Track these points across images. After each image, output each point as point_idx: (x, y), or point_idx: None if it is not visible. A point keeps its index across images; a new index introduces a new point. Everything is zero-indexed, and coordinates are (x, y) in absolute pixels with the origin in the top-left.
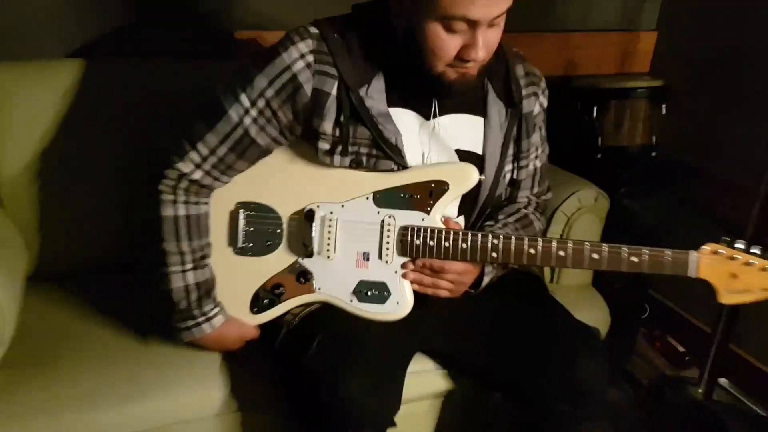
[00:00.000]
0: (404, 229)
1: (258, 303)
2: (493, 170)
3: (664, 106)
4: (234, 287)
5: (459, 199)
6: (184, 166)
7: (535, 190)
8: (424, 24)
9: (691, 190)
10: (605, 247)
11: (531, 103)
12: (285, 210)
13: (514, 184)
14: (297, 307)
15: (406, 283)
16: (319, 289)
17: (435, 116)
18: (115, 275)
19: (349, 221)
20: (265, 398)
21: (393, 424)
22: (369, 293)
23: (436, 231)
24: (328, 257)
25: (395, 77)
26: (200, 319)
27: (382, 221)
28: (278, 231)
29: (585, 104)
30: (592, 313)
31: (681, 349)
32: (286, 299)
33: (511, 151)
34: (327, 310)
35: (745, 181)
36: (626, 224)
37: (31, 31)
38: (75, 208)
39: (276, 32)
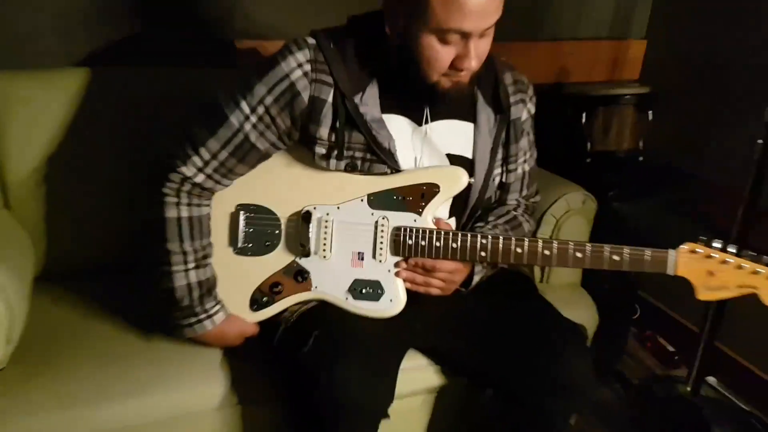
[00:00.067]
0: (397, 229)
1: (257, 301)
2: (483, 174)
3: (650, 112)
4: (234, 286)
5: (450, 201)
6: (187, 170)
7: (524, 192)
8: (419, 36)
9: (677, 193)
10: (588, 246)
11: (519, 109)
12: (283, 212)
13: (504, 187)
14: (294, 304)
15: (399, 282)
16: (316, 287)
17: (427, 122)
18: (118, 275)
19: (344, 222)
20: (264, 392)
21: (386, 416)
22: (364, 291)
23: (427, 231)
24: (325, 257)
25: (389, 85)
26: (202, 316)
27: (376, 222)
28: (277, 232)
29: (574, 110)
30: (581, 312)
31: (670, 348)
32: (284, 297)
33: (500, 156)
34: (323, 308)
35: (729, 184)
36: (616, 227)
37: (40, 41)
38: (80, 210)
39: (275, 41)
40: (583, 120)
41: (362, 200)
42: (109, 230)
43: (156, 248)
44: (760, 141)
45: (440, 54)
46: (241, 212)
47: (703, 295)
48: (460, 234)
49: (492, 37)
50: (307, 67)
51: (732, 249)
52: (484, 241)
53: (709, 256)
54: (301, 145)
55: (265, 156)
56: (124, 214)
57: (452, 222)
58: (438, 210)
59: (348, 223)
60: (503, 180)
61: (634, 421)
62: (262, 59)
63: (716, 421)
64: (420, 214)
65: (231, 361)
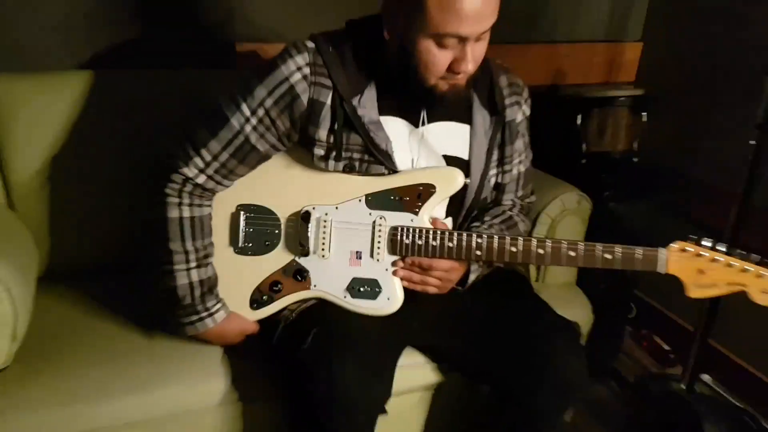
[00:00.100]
0: (394, 229)
1: (257, 299)
2: (479, 174)
3: (645, 114)
4: (235, 284)
5: (447, 201)
6: (189, 171)
7: (520, 193)
8: (416, 41)
9: (671, 194)
10: (581, 245)
11: (514, 111)
12: (283, 212)
13: (499, 187)
14: (294, 303)
15: (397, 280)
16: (315, 286)
17: (423, 124)
18: (119, 275)
19: (342, 222)
20: (263, 389)
21: (384, 411)
22: (361, 289)
23: (424, 231)
24: (323, 256)
25: (386, 88)
26: (203, 314)
27: (374, 222)
28: (276, 231)
29: (570, 112)
30: (576, 310)
31: (666, 347)
32: (284, 296)
33: (495, 157)
34: (322, 306)
35: (722, 185)
36: (611, 227)
37: (43, 44)
38: (82, 211)
39: (275, 44)
40: (579, 121)
41: (360, 200)
42: (110, 230)
43: (158, 248)
44: (752, 142)
45: (438, 58)
46: (242, 212)
47: (694, 292)
48: (456, 233)
49: (488, 40)
50: (307, 71)
51: (721, 247)
52: (479, 240)
53: (699, 255)
54: (300, 146)
55: (265, 157)
56: (125, 214)
57: (449, 222)
58: (434, 210)
59: (346, 223)
60: (499, 181)
61: (630, 419)
62: (262, 62)
63: (710, 417)
64: (417, 213)
65: (231, 358)
